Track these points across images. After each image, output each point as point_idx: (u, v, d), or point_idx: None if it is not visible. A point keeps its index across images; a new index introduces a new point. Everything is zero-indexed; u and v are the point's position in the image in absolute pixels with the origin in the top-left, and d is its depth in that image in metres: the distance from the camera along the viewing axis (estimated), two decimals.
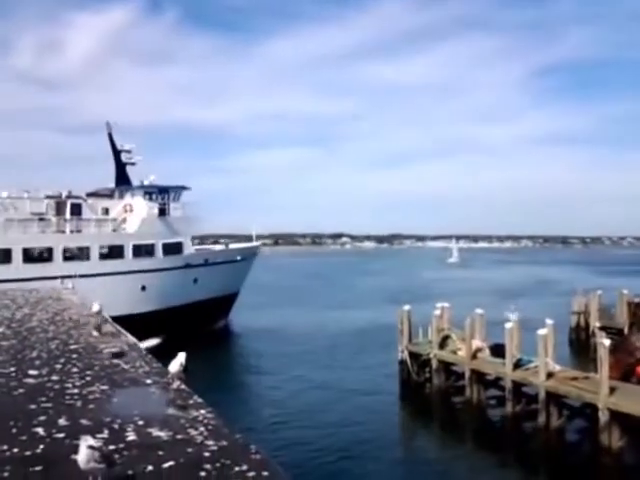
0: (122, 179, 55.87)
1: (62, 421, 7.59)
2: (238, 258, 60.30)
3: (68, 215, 48.46)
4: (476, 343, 31.79)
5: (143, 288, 49.49)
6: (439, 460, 25.66)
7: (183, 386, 9.49)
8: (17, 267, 42.87)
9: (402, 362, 35.70)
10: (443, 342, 33.83)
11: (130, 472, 5.87)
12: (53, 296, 23.76)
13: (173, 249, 52.43)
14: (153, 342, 42.20)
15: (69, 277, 41.40)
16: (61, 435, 7.01)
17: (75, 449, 5.68)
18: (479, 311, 33.79)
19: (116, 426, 7.41)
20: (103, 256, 48.16)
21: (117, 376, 10.29)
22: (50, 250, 45.69)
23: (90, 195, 53.46)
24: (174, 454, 6.41)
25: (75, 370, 10.66)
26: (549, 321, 29.22)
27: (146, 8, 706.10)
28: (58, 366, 10.95)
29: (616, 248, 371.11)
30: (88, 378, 10.06)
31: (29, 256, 44.72)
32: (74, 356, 11.94)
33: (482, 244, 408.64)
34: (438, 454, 26.62)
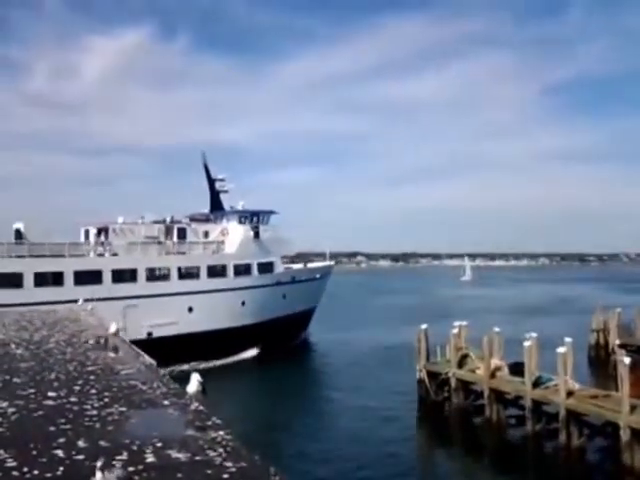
0: (216, 205, 62.56)
1: (81, 443, 7.58)
2: (318, 276, 66.35)
3: (175, 238, 53.97)
4: (495, 362, 31.55)
5: (243, 303, 54.49)
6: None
7: (201, 407, 9.47)
8: (142, 285, 47.88)
9: (420, 381, 35.51)
10: (461, 361, 33.63)
11: None
12: (70, 317, 23.82)
13: (266, 268, 57.62)
14: (252, 352, 51.60)
15: (184, 294, 49.43)
16: (81, 457, 7.01)
17: (94, 471, 5.67)
18: (497, 329, 33.57)
19: (135, 448, 7.40)
20: (210, 275, 52.73)
21: (135, 397, 10.30)
22: (168, 270, 50.64)
23: (191, 220, 58.78)
24: (193, 476, 6.38)
25: (93, 391, 10.67)
26: (568, 339, 28.99)
27: (159, 31, 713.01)
28: (76, 387, 10.97)
29: (634, 265, 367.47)
30: (106, 399, 10.06)
31: (150, 275, 49.27)
32: (92, 377, 11.95)
33: (499, 262, 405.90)
34: (458, 474, 26.37)
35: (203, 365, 45.11)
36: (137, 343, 40.04)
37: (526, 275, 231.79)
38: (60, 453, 7.17)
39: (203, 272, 52.27)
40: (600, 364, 46.04)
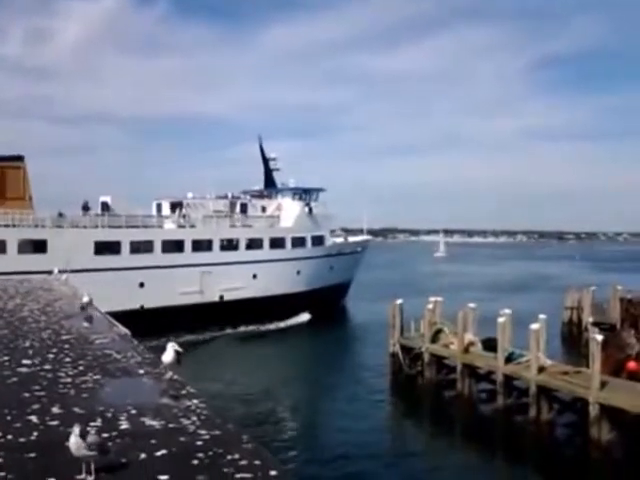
0: (269, 182, 69.72)
1: (55, 409, 7.61)
2: (358, 249, 73.02)
3: (238, 212, 60.05)
4: (468, 337, 31.94)
5: (298, 272, 60.44)
6: (429, 453, 25.81)
7: (176, 376, 9.53)
8: (216, 254, 53.84)
9: (394, 355, 35.87)
10: (435, 336, 33.97)
11: (123, 460, 5.92)
12: (44, 287, 23.71)
13: (318, 241, 63.84)
14: (305, 317, 57.38)
15: (250, 263, 55.48)
16: (54, 423, 7.04)
17: (68, 437, 5.71)
18: (471, 305, 33.92)
19: (109, 415, 7.45)
20: (271, 246, 58.65)
21: (110, 366, 10.33)
22: (237, 240, 56.40)
23: (252, 196, 65.57)
24: (166, 443, 6.44)
25: (68, 360, 10.67)
26: (541, 316, 29.39)
27: None
28: (51, 356, 10.96)
29: (611, 244, 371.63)
30: (81, 367, 10.08)
31: (223, 245, 55.07)
32: (66, 346, 11.95)
33: (477, 239, 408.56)
34: (428, 447, 26.75)
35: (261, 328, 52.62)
36: (212, 305, 51.20)
37: (503, 252, 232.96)
38: (34, 419, 7.20)
39: (266, 243, 58.16)
40: (572, 341, 46.69)
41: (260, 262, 56.35)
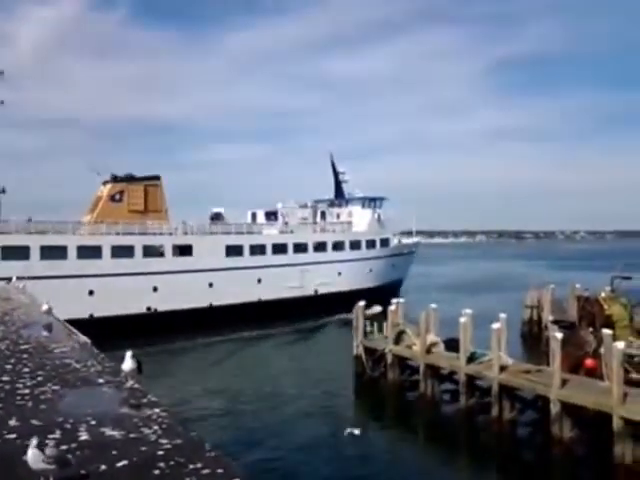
0: (339, 192, 78.89)
1: (12, 422, 7.48)
2: (413, 250, 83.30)
3: (319, 219, 72.63)
4: (430, 338, 32.16)
5: (370, 270, 70.41)
6: (392, 454, 25.82)
7: (137, 385, 9.42)
8: (311, 255, 63.84)
9: (357, 357, 35.96)
10: (398, 337, 34.13)
11: (83, 472, 5.83)
12: (2, 295, 23.25)
13: (384, 243, 74.30)
14: (377, 309, 57.45)
15: (335, 262, 65.78)
16: (12, 436, 6.91)
17: (26, 450, 5.60)
18: (433, 306, 34.19)
19: (68, 426, 7.33)
20: (351, 248, 68.70)
21: (69, 376, 10.17)
22: (325, 243, 66.30)
23: (330, 205, 77.55)
24: (128, 453, 6.37)
25: (26, 370, 10.49)
26: (502, 315, 29.72)
27: (96, 0, 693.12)
28: (8, 366, 10.76)
29: (569, 242, 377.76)
30: (39, 378, 9.92)
31: (315, 247, 64.83)
32: (25, 356, 11.74)
33: (438, 239, 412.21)
34: (391, 448, 26.78)
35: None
36: (309, 297, 63.12)
37: (462, 252, 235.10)
38: None
39: (347, 245, 68.37)
40: (533, 340, 47.24)
41: (343, 262, 66.74)
